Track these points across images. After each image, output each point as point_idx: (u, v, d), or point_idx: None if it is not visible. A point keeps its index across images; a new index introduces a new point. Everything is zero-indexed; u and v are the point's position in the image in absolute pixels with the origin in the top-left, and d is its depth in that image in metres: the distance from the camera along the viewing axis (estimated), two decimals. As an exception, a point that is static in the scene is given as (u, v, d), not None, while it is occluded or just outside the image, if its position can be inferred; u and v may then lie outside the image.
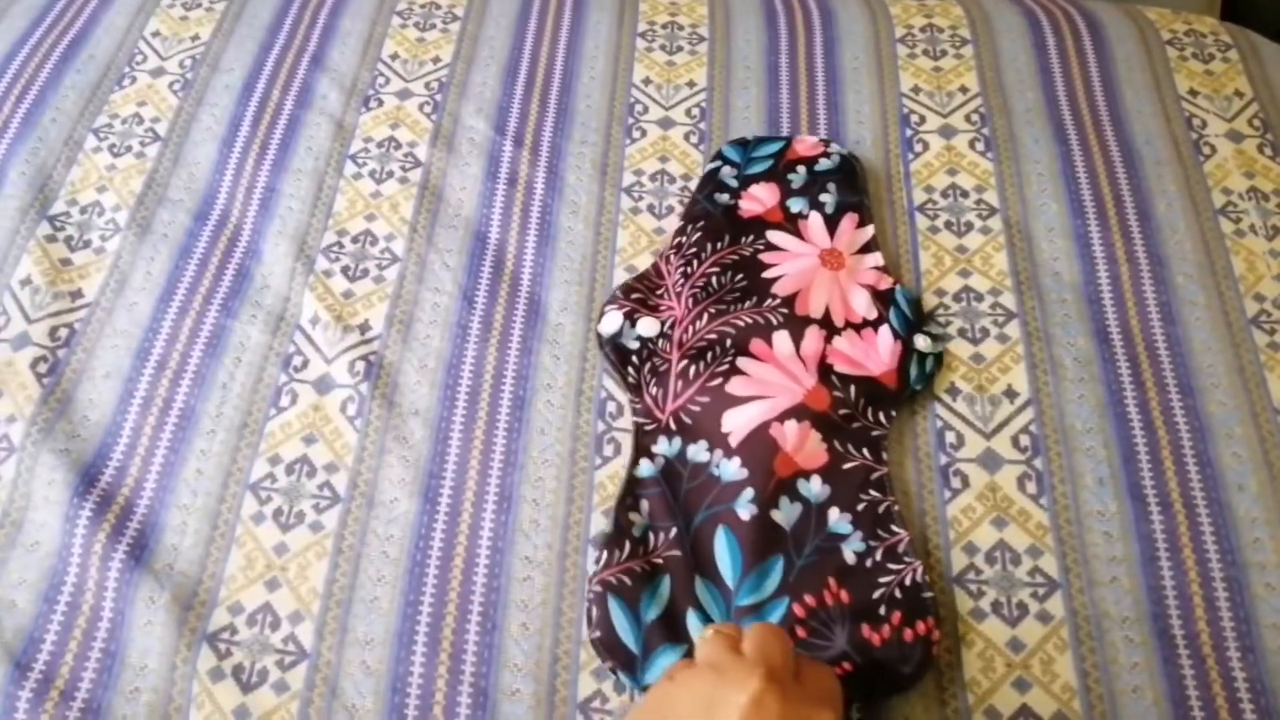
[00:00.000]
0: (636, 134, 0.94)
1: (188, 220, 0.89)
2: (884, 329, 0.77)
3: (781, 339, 0.76)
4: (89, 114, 0.98)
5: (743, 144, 0.90)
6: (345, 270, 0.85)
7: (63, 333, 0.82)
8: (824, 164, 0.87)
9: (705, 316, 0.78)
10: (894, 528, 0.68)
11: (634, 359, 0.78)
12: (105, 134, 0.96)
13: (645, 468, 0.72)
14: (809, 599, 0.66)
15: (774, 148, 0.89)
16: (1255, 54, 0.97)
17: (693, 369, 0.75)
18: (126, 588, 0.69)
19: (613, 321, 0.80)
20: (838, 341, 0.77)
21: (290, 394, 0.78)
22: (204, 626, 0.68)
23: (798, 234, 0.83)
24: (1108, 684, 0.64)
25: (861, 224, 0.84)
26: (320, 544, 0.71)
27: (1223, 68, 0.96)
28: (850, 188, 0.86)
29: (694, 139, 0.93)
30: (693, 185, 0.90)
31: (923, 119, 0.93)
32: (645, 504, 0.71)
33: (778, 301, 0.78)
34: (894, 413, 0.74)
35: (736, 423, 0.72)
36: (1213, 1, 1.44)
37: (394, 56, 1.02)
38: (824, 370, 0.75)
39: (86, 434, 0.76)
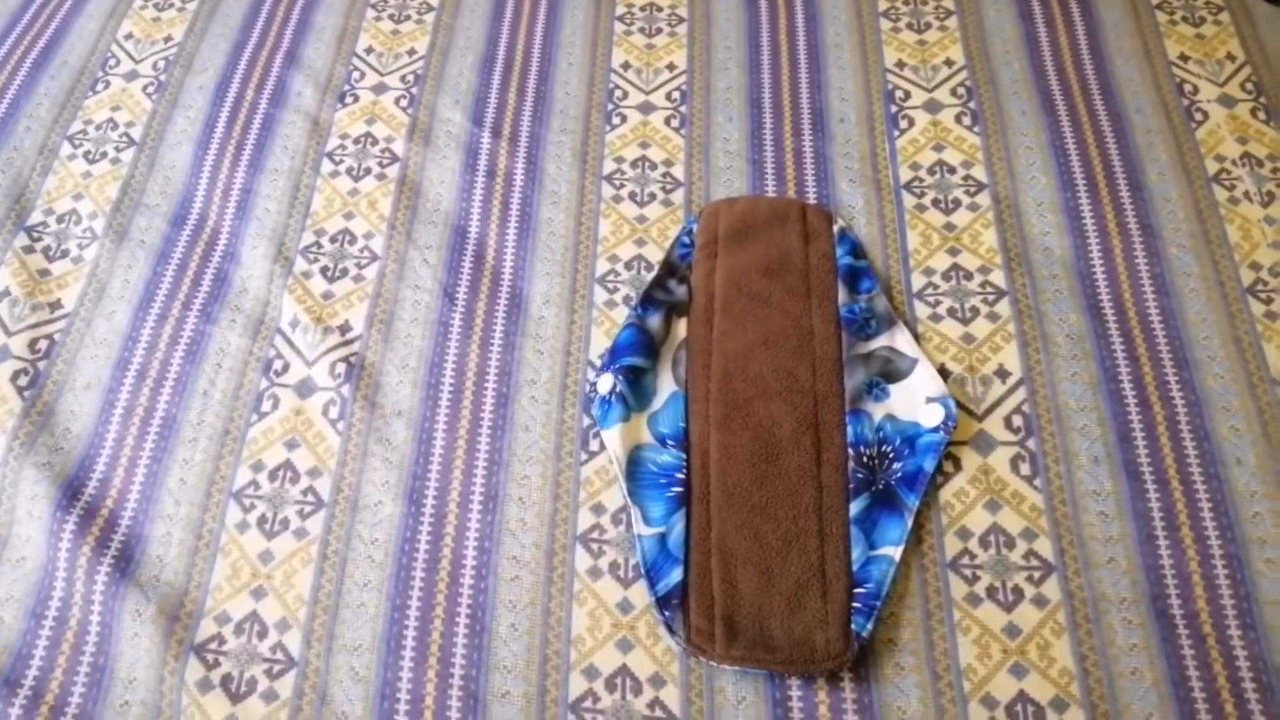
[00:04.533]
0: (616, 120, 0.92)
1: (164, 225, 0.88)
2: None
3: None
4: (63, 121, 0.97)
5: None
6: (324, 270, 0.84)
7: (42, 344, 0.81)
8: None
9: None
10: None
11: None
12: (80, 140, 0.95)
13: None
14: None
15: None
16: (1248, 15, 0.95)
17: None
18: (113, 600, 0.68)
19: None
20: None
21: (272, 399, 0.77)
22: (191, 637, 0.67)
23: None
24: (1106, 667, 0.63)
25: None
26: (305, 550, 0.70)
27: (1214, 30, 0.93)
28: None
29: (675, 123, 0.91)
30: (675, 171, 0.88)
31: (908, 94, 0.91)
32: None
33: None
34: None
35: None
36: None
37: (369, 50, 1.00)
38: None
39: (68, 446, 0.76)
